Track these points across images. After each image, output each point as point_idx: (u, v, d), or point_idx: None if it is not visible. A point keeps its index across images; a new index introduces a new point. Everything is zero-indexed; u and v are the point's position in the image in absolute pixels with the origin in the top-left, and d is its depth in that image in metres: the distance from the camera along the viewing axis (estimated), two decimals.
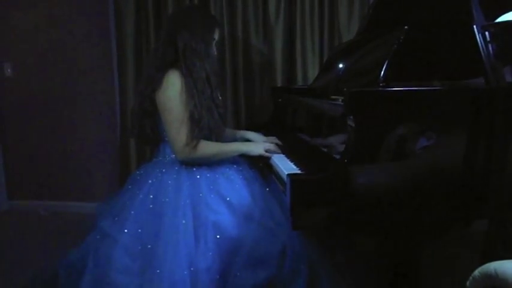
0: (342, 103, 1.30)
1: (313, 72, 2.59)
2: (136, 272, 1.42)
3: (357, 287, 1.68)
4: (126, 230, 1.49)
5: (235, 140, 1.96)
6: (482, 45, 1.39)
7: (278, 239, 1.47)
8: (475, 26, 1.41)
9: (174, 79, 1.61)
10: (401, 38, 1.45)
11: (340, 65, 1.90)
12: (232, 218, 1.50)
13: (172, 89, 1.60)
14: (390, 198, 1.29)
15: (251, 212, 1.54)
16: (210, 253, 1.41)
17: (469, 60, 1.47)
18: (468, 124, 1.33)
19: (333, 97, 1.42)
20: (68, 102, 3.14)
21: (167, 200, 1.55)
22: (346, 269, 1.66)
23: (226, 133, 1.91)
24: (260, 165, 1.84)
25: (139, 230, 1.49)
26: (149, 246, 1.45)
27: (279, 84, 2.64)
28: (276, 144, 1.87)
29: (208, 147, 1.65)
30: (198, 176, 1.62)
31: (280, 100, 2.31)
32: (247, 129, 2.14)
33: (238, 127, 2.55)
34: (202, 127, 1.62)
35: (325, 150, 1.58)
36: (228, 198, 1.56)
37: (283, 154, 1.74)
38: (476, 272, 1.01)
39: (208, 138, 1.67)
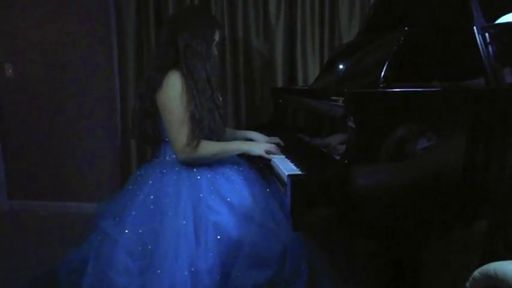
0: (342, 104, 1.31)
1: (313, 73, 2.59)
2: (137, 273, 1.42)
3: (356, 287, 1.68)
4: (126, 231, 1.49)
5: (235, 139, 1.96)
6: (482, 47, 1.39)
7: (278, 240, 1.48)
8: (475, 27, 1.41)
9: (175, 80, 1.61)
10: (402, 39, 1.45)
11: (341, 66, 1.90)
12: (232, 219, 1.51)
13: (173, 90, 1.61)
14: (390, 199, 1.29)
15: (252, 212, 1.54)
16: (211, 254, 1.42)
17: (469, 61, 1.47)
18: (468, 125, 1.34)
19: (334, 98, 1.43)
20: (68, 102, 3.14)
21: (168, 200, 1.55)
22: (347, 269, 1.67)
23: (226, 133, 1.92)
24: (260, 166, 1.84)
25: (140, 231, 1.50)
26: (150, 246, 1.46)
27: (280, 85, 2.64)
28: (278, 144, 1.87)
29: (209, 147, 1.66)
30: (199, 177, 1.62)
31: (280, 101, 2.31)
32: (248, 129, 2.14)
33: (239, 127, 2.55)
34: (203, 128, 1.62)
35: (326, 151, 1.58)
36: (228, 199, 1.56)
37: (284, 155, 1.74)
38: (476, 273, 1.01)
39: (209, 138, 1.67)
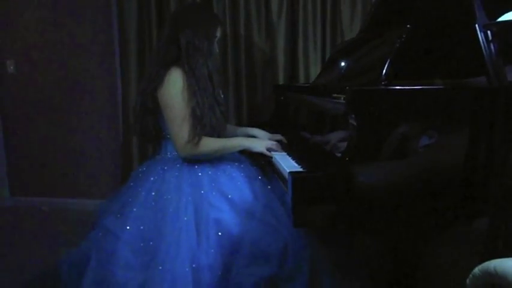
0: (344, 101, 1.31)
1: (315, 70, 2.59)
2: (138, 269, 1.43)
3: (358, 285, 1.68)
4: (128, 227, 1.50)
5: (236, 136, 1.96)
6: (484, 44, 1.39)
7: (279, 237, 1.48)
8: (477, 25, 1.41)
9: (176, 77, 1.62)
10: (404, 36, 1.45)
11: (342, 63, 1.90)
12: (233, 215, 1.51)
13: (175, 87, 1.61)
14: (391, 196, 1.29)
15: (253, 209, 1.54)
16: (212, 250, 1.42)
17: (471, 59, 1.47)
18: (469, 123, 1.34)
19: (335, 95, 1.43)
20: (70, 99, 3.15)
21: (169, 197, 1.55)
22: (347, 266, 1.67)
23: (228, 130, 1.92)
24: (262, 163, 1.84)
25: (142, 227, 1.50)
26: (151, 243, 1.46)
27: (281, 82, 2.64)
28: (281, 141, 1.87)
29: (210, 144, 1.66)
30: (200, 174, 1.63)
31: (282, 98, 2.32)
32: (249, 126, 2.14)
33: (240, 125, 2.55)
34: (204, 124, 1.62)
35: (327, 148, 1.59)
36: (229, 196, 1.56)
37: (285, 152, 1.74)
38: (476, 270, 1.01)
39: (210, 135, 1.67)
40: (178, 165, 1.66)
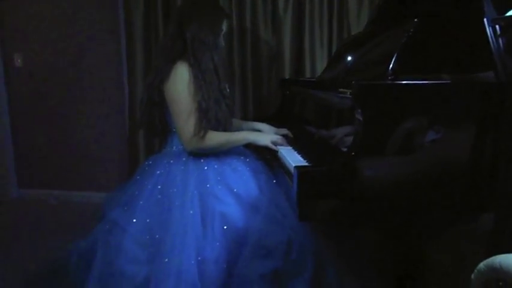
0: (350, 96, 1.30)
1: (321, 64, 2.58)
2: (144, 261, 1.44)
3: (362, 279, 1.69)
4: (134, 220, 1.51)
5: (242, 130, 1.96)
6: (492, 39, 1.38)
7: (284, 230, 1.48)
8: (485, 19, 1.40)
9: (183, 70, 1.62)
10: (411, 30, 1.44)
11: (349, 58, 1.89)
12: (239, 209, 1.52)
13: (181, 81, 1.61)
14: (397, 191, 1.29)
15: (258, 203, 1.55)
16: (217, 243, 1.43)
17: (479, 54, 1.46)
18: (477, 118, 1.33)
19: (341, 90, 1.43)
20: (77, 92, 3.17)
21: (175, 190, 1.56)
22: (352, 260, 1.68)
23: (234, 124, 1.92)
24: (267, 157, 1.85)
25: (148, 220, 1.51)
26: (157, 235, 1.47)
27: (287, 76, 2.63)
28: (287, 136, 1.87)
29: (215, 137, 1.66)
30: (206, 167, 1.63)
31: (288, 92, 2.31)
32: (255, 120, 2.14)
33: (246, 118, 2.56)
34: (210, 118, 1.63)
35: (333, 142, 1.59)
36: (235, 190, 1.57)
37: (291, 146, 1.75)
38: (481, 265, 1.01)
39: (216, 129, 1.67)
40: (184, 159, 1.67)
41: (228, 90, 1.76)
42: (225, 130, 1.72)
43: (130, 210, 1.55)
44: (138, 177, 1.71)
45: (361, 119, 1.24)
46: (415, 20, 1.45)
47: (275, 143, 1.75)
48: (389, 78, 1.38)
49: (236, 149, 1.77)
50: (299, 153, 1.63)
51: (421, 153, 1.29)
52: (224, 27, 1.76)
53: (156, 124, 1.74)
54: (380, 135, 1.26)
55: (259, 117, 2.32)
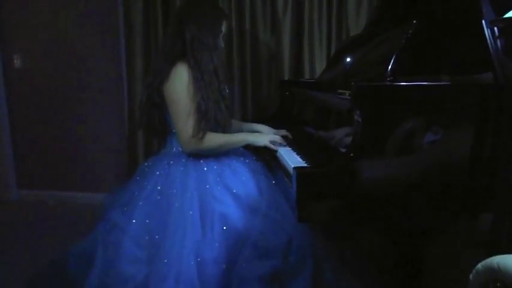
0: (349, 97, 1.31)
1: (320, 65, 2.58)
2: (144, 262, 1.45)
3: (361, 280, 1.69)
4: (134, 221, 1.51)
5: (241, 132, 1.97)
6: (490, 41, 1.38)
7: (284, 231, 1.49)
8: (483, 21, 1.40)
9: (182, 71, 1.62)
10: (410, 32, 1.44)
11: (348, 59, 1.90)
12: (238, 210, 1.52)
13: (180, 82, 1.62)
14: (396, 192, 1.30)
15: (257, 204, 1.55)
16: (217, 244, 1.43)
17: (478, 56, 1.46)
18: (475, 119, 1.33)
19: (340, 91, 1.43)
20: (76, 93, 3.17)
21: (174, 191, 1.56)
22: (351, 261, 1.68)
23: (233, 125, 1.93)
24: (266, 158, 1.85)
25: (147, 221, 1.52)
26: (157, 236, 1.48)
27: (286, 77, 2.64)
28: (286, 136, 1.88)
29: (214, 139, 1.67)
30: (205, 168, 1.63)
31: (287, 93, 2.32)
32: (254, 121, 2.15)
33: (245, 119, 2.56)
34: (209, 119, 1.63)
35: (332, 143, 1.59)
36: (234, 190, 1.57)
37: (290, 147, 1.75)
38: (479, 266, 1.01)
39: (215, 130, 1.68)
40: (183, 160, 1.67)
41: (227, 91, 1.77)
42: (224, 131, 1.73)
43: (129, 211, 1.55)
44: (137, 178, 1.71)
45: (360, 120, 1.25)
46: (414, 21, 1.46)
47: (274, 143, 1.76)
48: (388, 79, 1.38)
49: (236, 150, 1.77)
50: (298, 154, 1.64)
51: (420, 154, 1.29)
52: (223, 28, 1.77)
53: (156, 125, 1.74)
54: (379, 136, 1.26)
55: (259, 118, 2.32)
